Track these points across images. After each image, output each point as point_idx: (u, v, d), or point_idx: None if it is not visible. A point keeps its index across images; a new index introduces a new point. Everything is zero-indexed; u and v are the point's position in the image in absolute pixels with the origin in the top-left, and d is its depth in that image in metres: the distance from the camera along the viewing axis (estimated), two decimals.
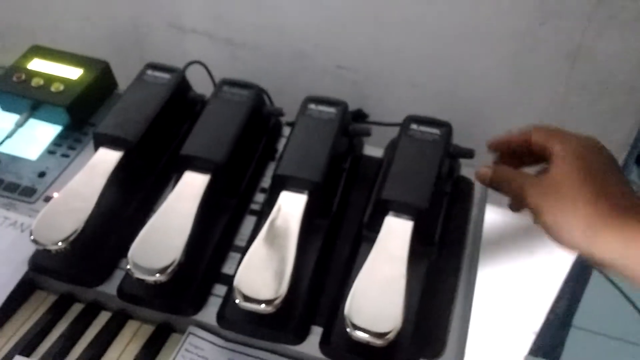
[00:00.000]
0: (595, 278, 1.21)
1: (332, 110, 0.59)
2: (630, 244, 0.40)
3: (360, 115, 0.79)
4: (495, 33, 0.68)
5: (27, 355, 0.50)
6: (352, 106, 0.80)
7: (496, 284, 0.97)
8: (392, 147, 0.60)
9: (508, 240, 0.93)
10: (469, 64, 0.73)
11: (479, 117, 0.77)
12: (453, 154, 0.59)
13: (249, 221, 0.58)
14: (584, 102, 0.72)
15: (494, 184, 0.52)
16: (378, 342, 0.43)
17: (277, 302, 0.45)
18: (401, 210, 0.52)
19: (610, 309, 1.47)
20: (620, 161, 0.77)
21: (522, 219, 0.93)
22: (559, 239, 0.44)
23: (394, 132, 0.60)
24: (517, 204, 0.54)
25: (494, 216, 0.91)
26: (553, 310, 1.19)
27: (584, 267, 1.03)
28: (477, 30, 0.69)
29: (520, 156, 0.53)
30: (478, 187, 0.63)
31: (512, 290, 1.02)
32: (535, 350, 1.34)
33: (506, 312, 1.11)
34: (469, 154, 0.59)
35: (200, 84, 0.69)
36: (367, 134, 0.62)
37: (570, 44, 0.67)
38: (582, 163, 0.45)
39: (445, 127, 0.58)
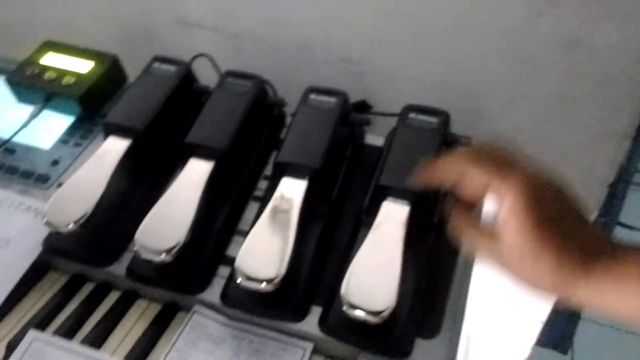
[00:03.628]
0: None
1: (332, 100, 0.61)
2: (600, 292, 0.37)
3: (364, 106, 0.81)
4: (495, 24, 0.70)
5: (41, 331, 0.52)
6: (356, 98, 0.81)
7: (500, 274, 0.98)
8: (391, 136, 0.62)
9: None
10: (469, 55, 0.74)
11: (480, 107, 0.79)
12: (450, 142, 0.60)
13: (253, 207, 0.60)
14: (583, 93, 0.73)
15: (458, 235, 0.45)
16: (372, 319, 0.45)
17: (276, 281, 0.47)
18: (398, 195, 0.54)
19: None
20: (623, 151, 0.78)
21: None
22: (535, 295, 0.41)
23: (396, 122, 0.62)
24: None
25: None
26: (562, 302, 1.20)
27: None
28: (477, 21, 0.70)
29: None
30: None
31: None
32: (544, 341, 1.35)
33: (512, 301, 1.12)
34: (466, 142, 0.60)
35: (207, 77, 0.71)
36: (367, 123, 0.63)
37: (568, 35, 0.68)
38: (535, 217, 0.39)
39: (443, 116, 0.60)
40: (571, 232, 0.39)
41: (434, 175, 0.44)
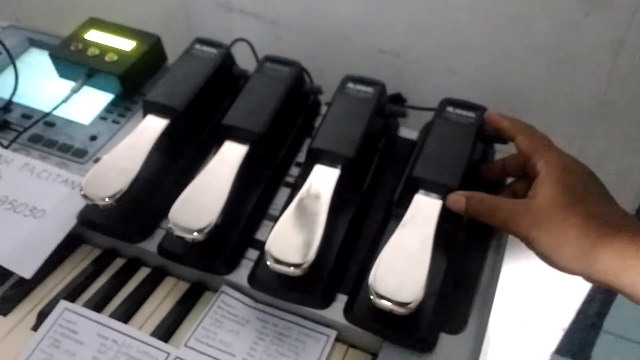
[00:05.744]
0: None
1: (369, 89, 0.61)
2: (623, 263, 0.40)
3: (399, 99, 0.81)
4: (538, 23, 0.69)
5: (71, 302, 0.53)
6: (391, 90, 0.81)
7: (526, 277, 0.97)
8: (426, 129, 0.62)
9: None
10: (509, 53, 0.73)
11: (517, 106, 0.77)
12: (487, 138, 0.59)
13: (284, 192, 0.61)
14: (625, 97, 0.71)
15: (472, 212, 0.50)
16: (399, 310, 0.44)
17: (305, 266, 0.47)
18: (431, 188, 0.53)
19: None
20: None
21: None
22: (555, 265, 0.45)
23: (430, 117, 0.61)
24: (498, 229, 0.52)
25: None
26: (584, 311, 1.18)
27: None
28: (520, 19, 0.69)
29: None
30: None
31: (542, 285, 1.02)
32: (563, 350, 1.33)
33: (535, 306, 1.10)
34: (503, 139, 0.59)
35: (245, 62, 0.71)
36: (403, 115, 0.63)
37: (614, 37, 0.66)
38: (567, 186, 0.45)
39: (481, 111, 0.59)
40: (597, 206, 0.44)
41: (499, 121, 0.54)
